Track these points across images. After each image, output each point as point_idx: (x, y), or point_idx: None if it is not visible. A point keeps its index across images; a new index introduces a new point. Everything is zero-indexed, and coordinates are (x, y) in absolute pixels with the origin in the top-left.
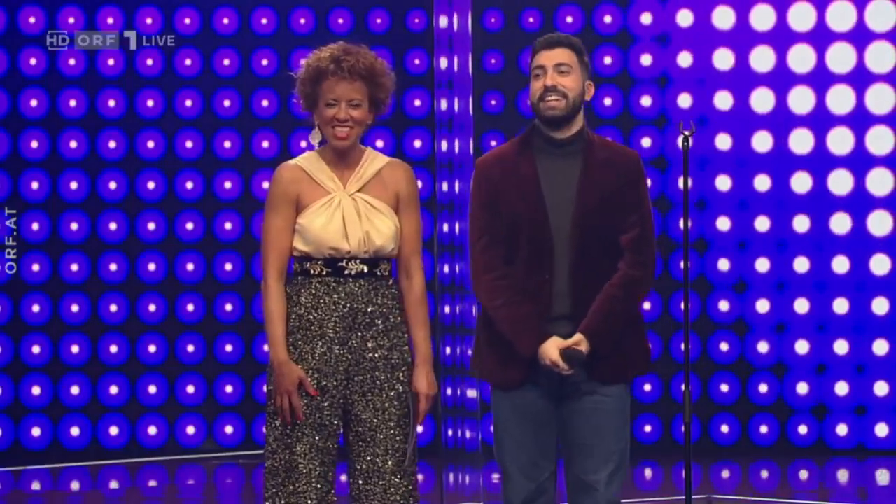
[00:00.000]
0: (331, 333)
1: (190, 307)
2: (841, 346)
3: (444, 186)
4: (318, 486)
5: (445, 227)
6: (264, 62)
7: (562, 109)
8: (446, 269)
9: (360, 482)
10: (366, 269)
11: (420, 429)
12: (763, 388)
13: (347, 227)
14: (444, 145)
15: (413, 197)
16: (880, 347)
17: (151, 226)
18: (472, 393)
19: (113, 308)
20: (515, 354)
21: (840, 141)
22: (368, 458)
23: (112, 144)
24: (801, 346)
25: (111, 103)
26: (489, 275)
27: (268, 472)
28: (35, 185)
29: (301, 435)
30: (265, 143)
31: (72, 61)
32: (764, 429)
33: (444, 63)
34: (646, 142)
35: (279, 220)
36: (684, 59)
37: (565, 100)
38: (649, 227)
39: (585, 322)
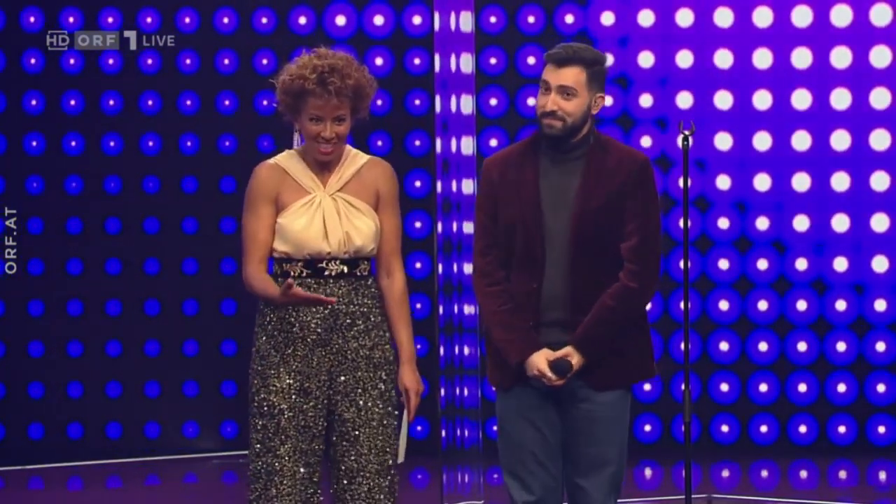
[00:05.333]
0: (312, 335)
1: (190, 306)
2: (841, 345)
3: (441, 186)
4: (303, 487)
5: (440, 227)
6: (264, 62)
7: (558, 130)
8: (446, 267)
9: (345, 482)
10: (346, 270)
11: (419, 428)
12: (763, 387)
13: (328, 228)
14: (443, 145)
15: (393, 195)
16: (880, 346)
17: (151, 225)
18: (471, 392)
19: (113, 307)
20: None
21: (840, 140)
22: (352, 458)
23: (112, 144)
24: (802, 346)
25: (111, 103)
26: (484, 280)
27: (251, 475)
28: (35, 184)
29: (285, 437)
30: (265, 143)
31: (72, 61)
32: (764, 428)
33: (444, 63)
34: (646, 141)
35: (258, 219)
36: (684, 59)
37: (563, 123)
38: (650, 235)
39: (577, 333)
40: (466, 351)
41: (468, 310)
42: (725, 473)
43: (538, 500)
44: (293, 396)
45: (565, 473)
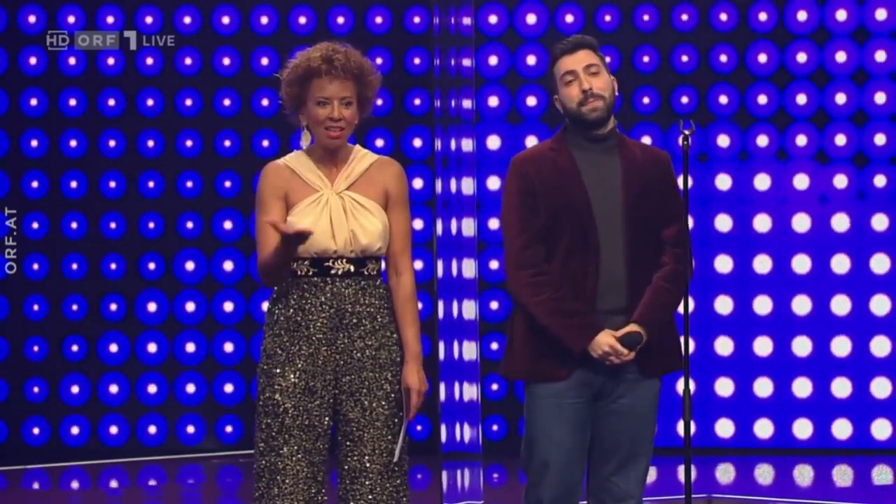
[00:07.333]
0: (318, 334)
1: (190, 306)
2: (841, 345)
3: (441, 186)
4: (306, 487)
5: (440, 227)
6: (264, 62)
7: (602, 110)
8: (446, 267)
9: (348, 482)
10: (352, 269)
11: (419, 427)
12: (763, 386)
13: (334, 226)
14: (443, 145)
15: (402, 194)
16: (881, 346)
17: (151, 225)
18: (471, 392)
19: (113, 307)
20: (556, 349)
21: (842, 140)
22: (356, 458)
23: (112, 144)
24: (802, 345)
25: (111, 103)
26: (529, 270)
27: (255, 473)
28: (35, 184)
29: (289, 437)
30: (265, 143)
31: (72, 61)
32: (764, 428)
33: (444, 63)
34: (645, 141)
35: (267, 216)
36: (685, 58)
37: (602, 101)
38: (685, 222)
39: (639, 313)
40: (466, 351)
41: (468, 309)
42: (725, 473)
43: (563, 498)
44: (298, 395)
45: (594, 469)
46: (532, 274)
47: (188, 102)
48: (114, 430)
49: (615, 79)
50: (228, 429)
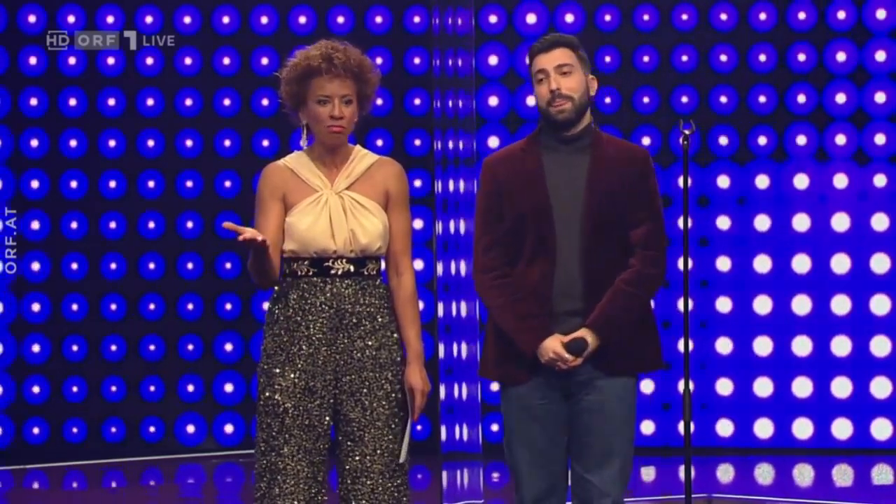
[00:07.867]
0: (318, 335)
1: (190, 306)
2: (841, 345)
3: (440, 186)
4: (306, 487)
5: (440, 227)
6: (264, 62)
7: (570, 111)
8: (446, 267)
9: (349, 482)
10: (352, 269)
11: (419, 427)
12: (763, 386)
13: (334, 226)
14: (443, 145)
15: (403, 195)
16: (881, 346)
17: (151, 225)
18: (471, 392)
19: (113, 307)
20: (519, 352)
21: (842, 139)
22: (357, 458)
23: (112, 144)
24: (802, 344)
25: (111, 103)
26: (490, 273)
27: (256, 473)
28: (35, 184)
29: (289, 437)
30: (265, 143)
31: (72, 61)
32: (764, 428)
33: (443, 63)
34: (645, 140)
35: (265, 218)
36: (685, 58)
37: (571, 102)
38: (660, 223)
39: (593, 316)
40: (466, 351)
41: (468, 309)
42: (725, 473)
43: (544, 498)
44: (298, 395)
45: (573, 469)
46: (494, 277)
47: (188, 102)
48: (114, 429)
49: (595, 78)
50: (228, 429)
